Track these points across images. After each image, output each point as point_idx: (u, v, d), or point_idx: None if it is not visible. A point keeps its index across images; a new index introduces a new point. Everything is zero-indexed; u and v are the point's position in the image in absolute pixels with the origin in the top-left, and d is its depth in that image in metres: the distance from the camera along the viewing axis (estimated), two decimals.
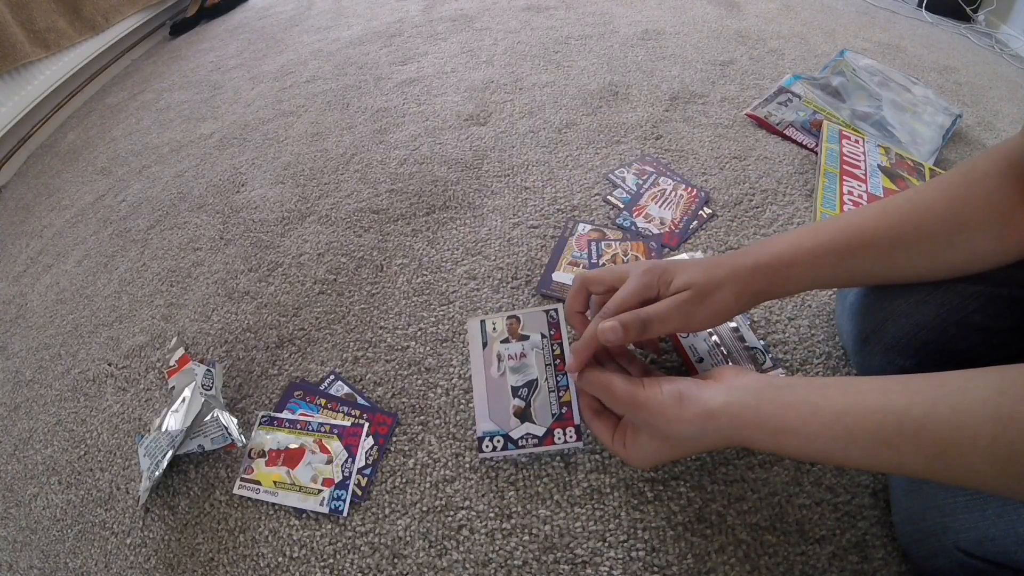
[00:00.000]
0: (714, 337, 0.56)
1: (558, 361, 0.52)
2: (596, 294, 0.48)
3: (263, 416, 0.57)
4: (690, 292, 0.42)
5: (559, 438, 0.49)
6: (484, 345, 0.55)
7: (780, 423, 0.34)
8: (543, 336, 0.54)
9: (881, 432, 0.30)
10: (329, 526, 0.50)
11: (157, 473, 0.52)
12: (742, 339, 0.57)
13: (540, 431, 0.50)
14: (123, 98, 1.36)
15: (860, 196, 0.72)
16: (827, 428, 0.32)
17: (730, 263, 0.43)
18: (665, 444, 0.40)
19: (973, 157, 0.43)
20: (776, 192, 0.75)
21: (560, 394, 0.51)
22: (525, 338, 0.54)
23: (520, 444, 0.50)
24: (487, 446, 0.50)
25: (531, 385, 0.52)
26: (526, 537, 0.47)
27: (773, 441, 0.35)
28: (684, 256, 0.67)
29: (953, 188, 0.40)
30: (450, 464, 0.52)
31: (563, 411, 0.50)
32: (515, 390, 0.52)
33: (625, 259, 0.67)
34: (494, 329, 0.55)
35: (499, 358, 0.54)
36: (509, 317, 0.55)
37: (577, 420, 0.50)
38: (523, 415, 0.51)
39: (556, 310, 0.55)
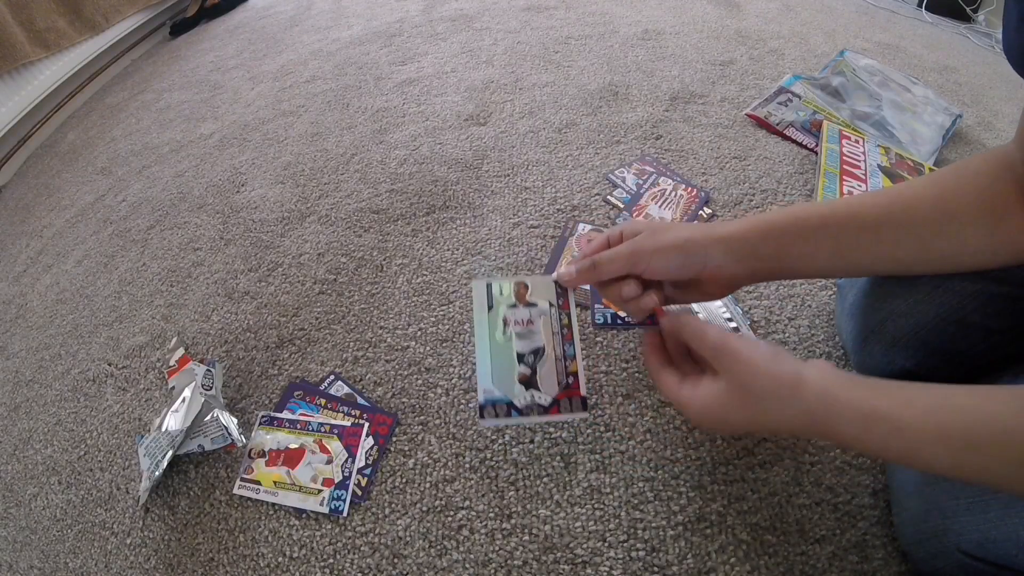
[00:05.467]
0: None
1: (566, 331, 0.50)
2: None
3: (263, 416, 0.57)
4: (643, 234, 0.43)
5: (565, 408, 0.47)
6: (489, 308, 0.51)
7: (873, 407, 0.33)
8: (551, 304, 0.51)
9: (970, 433, 0.30)
10: (329, 526, 0.50)
11: (157, 473, 0.52)
12: None
13: (546, 400, 0.47)
14: (123, 98, 1.36)
15: None
16: (919, 420, 0.31)
17: (696, 223, 0.44)
18: (739, 399, 0.37)
19: (968, 156, 0.43)
20: (776, 192, 0.75)
21: (567, 364, 0.48)
22: (532, 305, 0.51)
23: (525, 412, 0.47)
24: (489, 413, 0.47)
25: (538, 353, 0.49)
26: (526, 537, 0.47)
27: (860, 427, 0.33)
28: None
29: (944, 180, 0.40)
30: (450, 464, 0.52)
31: (570, 381, 0.47)
32: (520, 356, 0.49)
33: None
34: (501, 293, 0.52)
35: (505, 322, 0.50)
36: (517, 282, 0.52)
37: (583, 391, 0.47)
38: (528, 382, 0.48)
39: None
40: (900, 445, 0.32)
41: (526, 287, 0.52)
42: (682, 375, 0.42)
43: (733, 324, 0.58)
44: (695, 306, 0.60)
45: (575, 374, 0.48)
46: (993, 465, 0.29)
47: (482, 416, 0.47)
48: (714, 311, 0.59)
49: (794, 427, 0.36)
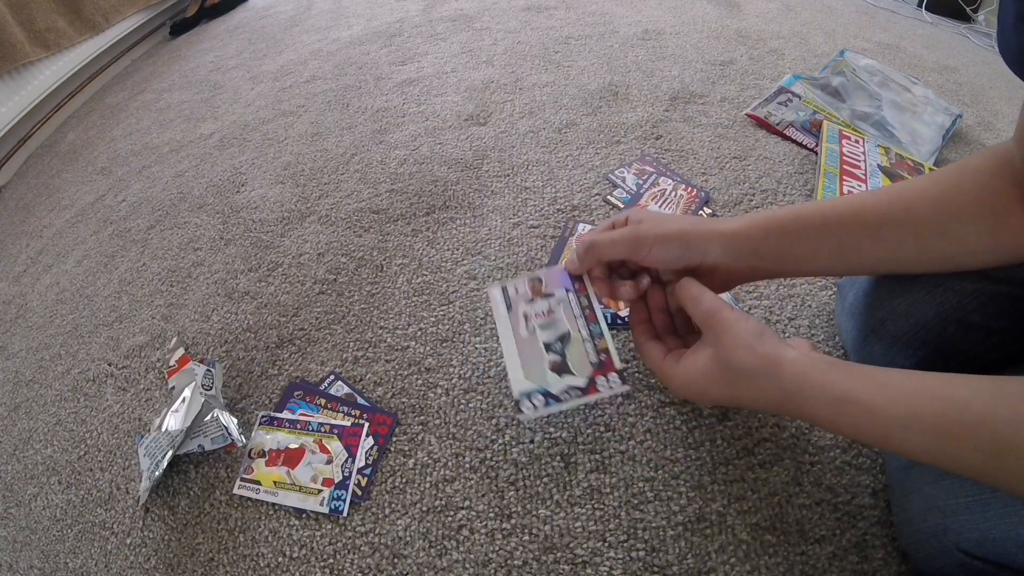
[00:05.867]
0: None
1: (588, 312, 0.50)
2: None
3: (263, 416, 0.57)
4: (646, 222, 0.44)
5: (603, 385, 0.46)
6: (509, 308, 0.52)
7: (845, 391, 0.33)
8: (567, 291, 0.51)
9: (943, 419, 0.30)
10: (329, 526, 0.50)
11: (157, 473, 0.52)
12: None
13: (582, 381, 0.47)
14: (123, 98, 1.36)
15: None
16: (892, 404, 0.32)
17: (699, 218, 0.44)
18: (720, 372, 0.39)
19: (968, 156, 0.43)
20: (776, 192, 0.75)
21: (596, 342, 0.48)
22: (549, 295, 0.52)
23: (563, 398, 0.46)
24: (527, 406, 0.46)
25: (564, 339, 0.49)
26: (526, 537, 0.47)
27: (832, 409, 0.34)
28: None
29: (945, 179, 0.40)
30: (450, 464, 0.52)
31: (602, 358, 0.47)
32: (548, 346, 0.49)
33: None
34: (516, 292, 0.53)
35: (526, 318, 0.51)
36: (530, 279, 0.53)
37: (618, 365, 0.47)
38: (560, 368, 0.48)
39: None
40: (872, 429, 0.33)
41: (539, 281, 0.52)
42: (667, 348, 0.44)
43: None
44: None
45: (606, 351, 0.48)
46: (966, 454, 0.29)
47: (520, 410, 0.47)
48: None
49: (770, 405, 0.37)
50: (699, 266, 0.44)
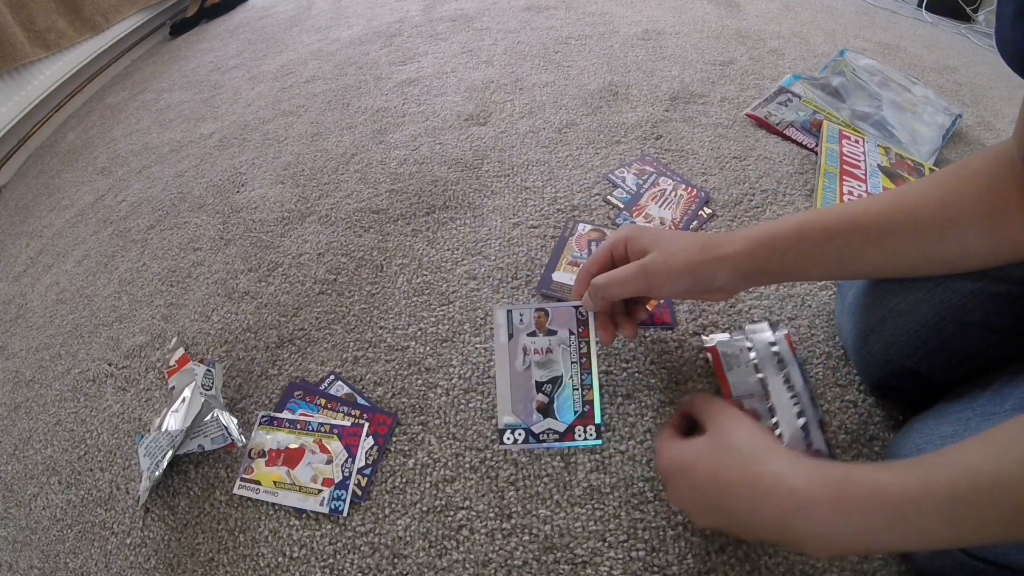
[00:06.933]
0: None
1: (584, 360, 0.52)
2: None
3: (263, 416, 0.57)
4: (652, 255, 0.44)
5: (579, 435, 0.49)
6: (510, 336, 0.54)
7: (846, 472, 0.31)
8: (571, 333, 0.53)
9: (957, 488, 0.28)
10: (329, 526, 0.50)
11: (157, 473, 0.52)
12: None
13: (561, 428, 0.50)
14: (123, 98, 1.36)
15: (860, 196, 0.72)
16: (900, 478, 0.30)
17: (703, 233, 0.44)
18: (713, 448, 0.38)
19: (968, 156, 0.43)
20: (776, 192, 0.75)
21: (584, 392, 0.51)
22: (552, 333, 0.53)
23: (541, 439, 0.50)
24: (508, 438, 0.50)
25: (556, 381, 0.52)
26: (526, 537, 0.47)
27: (836, 493, 0.31)
28: None
29: (946, 183, 0.40)
30: (450, 464, 0.52)
31: (585, 409, 0.50)
32: (539, 385, 0.52)
33: None
34: (521, 321, 0.54)
35: (524, 351, 0.53)
36: (537, 310, 0.54)
37: (597, 420, 0.50)
38: (545, 410, 0.51)
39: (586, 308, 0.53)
40: (884, 514, 0.29)
41: (546, 315, 0.54)
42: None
43: (802, 419, 0.50)
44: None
45: (591, 403, 0.50)
46: (987, 518, 0.27)
47: (502, 441, 0.50)
48: (785, 404, 0.51)
49: (756, 492, 0.34)
50: (708, 291, 0.45)
